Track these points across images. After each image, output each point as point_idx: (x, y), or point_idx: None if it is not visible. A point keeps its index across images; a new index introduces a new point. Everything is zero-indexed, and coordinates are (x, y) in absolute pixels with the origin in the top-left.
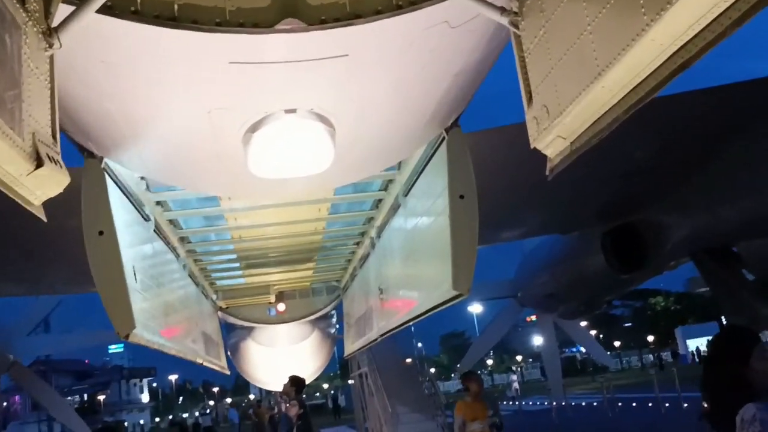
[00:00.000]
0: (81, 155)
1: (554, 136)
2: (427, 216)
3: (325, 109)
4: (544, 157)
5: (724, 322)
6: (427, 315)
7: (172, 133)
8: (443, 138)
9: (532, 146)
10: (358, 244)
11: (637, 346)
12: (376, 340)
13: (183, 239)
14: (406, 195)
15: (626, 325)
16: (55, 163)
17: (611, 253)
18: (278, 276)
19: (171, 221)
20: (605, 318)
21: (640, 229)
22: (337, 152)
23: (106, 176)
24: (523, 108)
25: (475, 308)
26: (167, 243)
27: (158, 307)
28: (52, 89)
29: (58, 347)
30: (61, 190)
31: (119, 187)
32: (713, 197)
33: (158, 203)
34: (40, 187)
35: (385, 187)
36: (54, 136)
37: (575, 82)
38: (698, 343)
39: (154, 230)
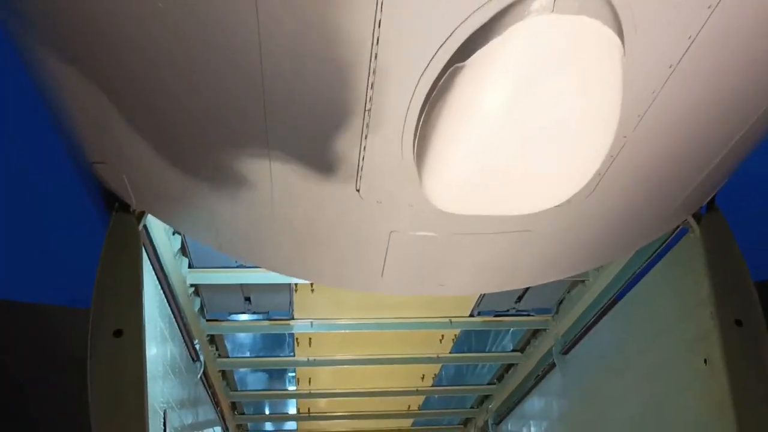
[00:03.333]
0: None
1: None
2: (640, 371)
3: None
4: None
5: None
6: None
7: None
8: (679, 230)
9: None
10: None
11: None
12: None
13: (235, 406)
14: (566, 351)
15: None
16: None
17: None
18: None
19: (224, 375)
20: None
21: None
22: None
23: (144, 248)
24: None
25: None
26: (215, 403)
27: None
28: None
29: None
30: None
31: (158, 275)
32: None
33: (211, 340)
34: None
35: (523, 345)
36: None
37: None
38: None
39: (201, 378)
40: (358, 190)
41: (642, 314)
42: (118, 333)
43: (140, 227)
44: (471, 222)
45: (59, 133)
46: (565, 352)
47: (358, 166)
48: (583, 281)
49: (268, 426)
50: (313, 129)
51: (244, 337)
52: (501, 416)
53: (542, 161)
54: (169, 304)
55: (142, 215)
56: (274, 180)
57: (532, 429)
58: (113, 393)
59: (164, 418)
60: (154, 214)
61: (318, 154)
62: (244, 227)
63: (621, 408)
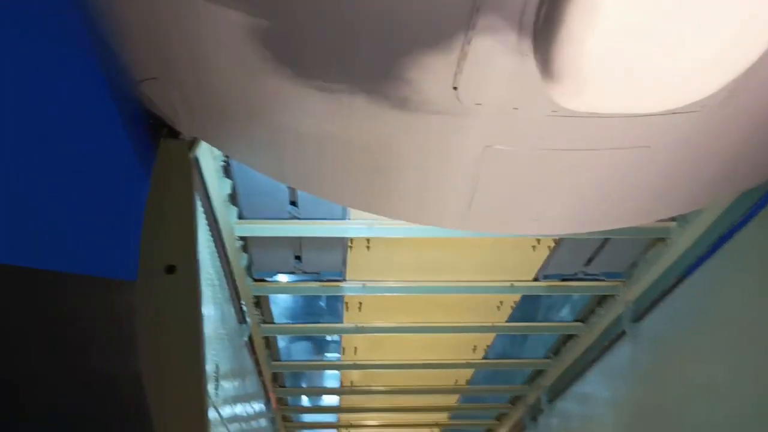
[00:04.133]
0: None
1: None
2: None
3: None
4: None
5: None
6: None
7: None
8: None
9: None
10: (499, 418)
11: None
12: None
13: (276, 378)
14: (638, 319)
15: None
16: None
17: None
18: None
19: (267, 343)
20: None
21: None
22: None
23: (196, 179)
24: None
25: None
26: (258, 372)
27: None
28: None
29: None
30: None
31: (208, 219)
32: None
33: (257, 304)
34: None
35: (585, 314)
36: None
37: None
38: None
39: (247, 343)
40: (455, 88)
41: (745, 266)
42: (170, 269)
43: (192, 156)
44: (582, 134)
45: (99, 55)
46: (637, 321)
47: (461, 52)
48: (663, 239)
49: (309, 400)
50: (405, 5)
51: (290, 301)
52: (556, 393)
53: (704, 28)
54: (219, 255)
55: (193, 144)
56: (357, 80)
57: (594, 408)
58: (166, 335)
59: (217, 371)
60: (207, 140)
61: (409, 40)
62: (314, 148)
63: (710, 381)
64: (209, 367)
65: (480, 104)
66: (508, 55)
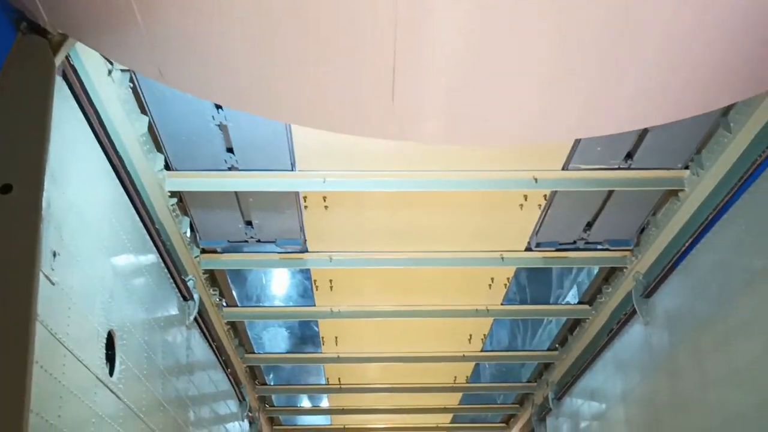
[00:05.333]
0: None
1: None
2: None
3: None
4: None
5: None
6: None
7: None
8: None
9: None
10: (507, 421)
11: None
12: None
13: (254, 375)
14: (650, 294)
15: None
16: None
17: None
18: None
19: (235, 331)
20: None
21: None
22: None
23: (87, 120)
24: None
25: None
26: (223, 364)
27: None
28: None
29: None
30: None
31: (110, 159)
32: None
33: (212, 281)
34: None
35: (591, 295)
36: None
37: None
38: None
39: (200, 326)
40: None
41: None
42: (5, 189)
43: (58, 59)
44: None
45: None
46: (649, 295)
47: None
48: (675, 192)
49: (296, 400)
50: None
51: (254, 280)
52: (564, 389)
53: None
54: (138, 213)
55: (62, 43)
56: None
57: (604, 405)
58: None
59: (112, 342)
60: (80, 37)
61: None
62: (189, 34)
63: (739, 363)
64: (98, 334)
65: None
66: None
